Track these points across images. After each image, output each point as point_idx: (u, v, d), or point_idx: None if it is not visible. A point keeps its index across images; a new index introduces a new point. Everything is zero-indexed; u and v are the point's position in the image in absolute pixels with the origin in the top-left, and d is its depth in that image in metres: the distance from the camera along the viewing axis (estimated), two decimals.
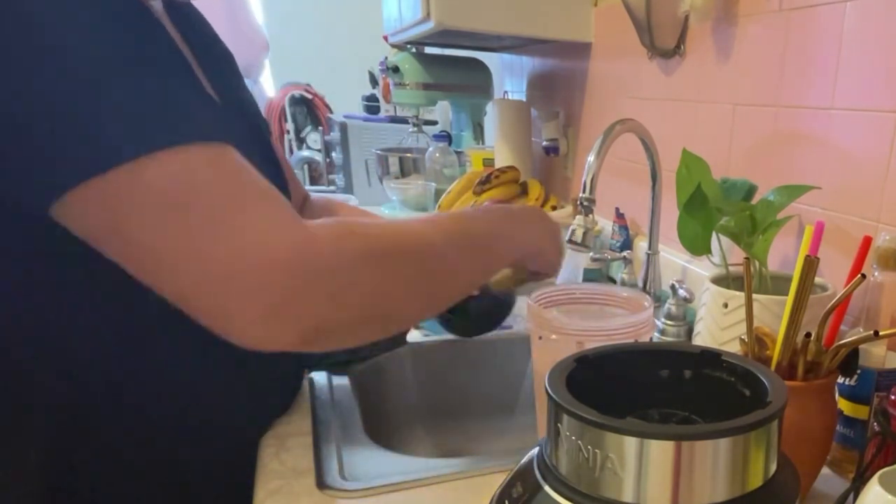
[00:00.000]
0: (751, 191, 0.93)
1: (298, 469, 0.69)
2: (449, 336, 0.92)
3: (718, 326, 0.81)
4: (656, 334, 1.05)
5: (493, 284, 0.80)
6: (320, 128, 3.61)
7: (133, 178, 0.49)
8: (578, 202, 0.95)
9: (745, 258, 0.72)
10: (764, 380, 0.42)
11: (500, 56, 2.29)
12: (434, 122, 2.79)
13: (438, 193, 1.74)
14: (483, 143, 2.21)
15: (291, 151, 3.74)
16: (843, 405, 0.71)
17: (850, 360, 0.64)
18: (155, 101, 0.51)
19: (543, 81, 1.99)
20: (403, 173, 2.10)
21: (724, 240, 0.87)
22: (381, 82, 2.47)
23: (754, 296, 0.64)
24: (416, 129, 2.34)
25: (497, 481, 0.45)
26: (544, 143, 1.78)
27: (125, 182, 0.49)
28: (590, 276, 1.26)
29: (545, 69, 1.97)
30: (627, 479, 0.37)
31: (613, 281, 1.29)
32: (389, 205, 2.03)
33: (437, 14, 1.47)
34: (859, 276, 0.60)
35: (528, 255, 0.77)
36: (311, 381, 0.89)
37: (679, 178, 0.90)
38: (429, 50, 2.18)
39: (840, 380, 0.69)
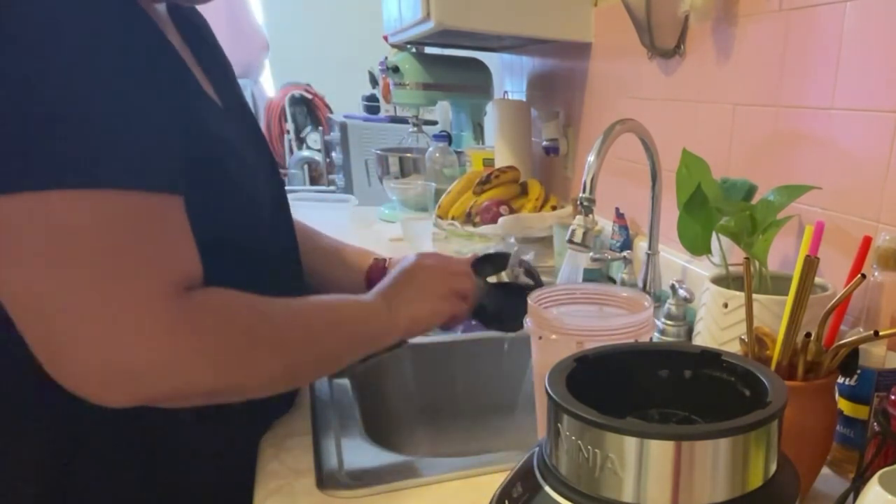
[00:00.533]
0: (751, 191, 0.93)
1: (298, 469, 0.69)
2: (449, 336, 0.92)
3: (718, 326, 0.81)
4: (656, 334, 1.05)
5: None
6: (320, 128, 3.62)
7: (31, 209, 0.48)
8: (578, 202, 0.95)
9: (745, 258, 0.72)
10: (764, 380, 0.42)
11: (500, 56, 2.29)
12: (434, 122, 2.79)
13: (438, 193, 1.74)
14: (483, 143, 2.21)
15: (291, 151, 3.74)
16: (843, 405, 0.71)
17: (850, 360, 0.63)
18: (100, 136, 0.50)
19: (543, 81, 1.99)
20: (403, 173, 2.10)
21: (724, 240, 0.86)
22: (381, 82, 2.47)
23: (754, 296, 0.64)
24: (416, 129, 2.35)
25: (497, 481, 0.45)
26: (544, 143, 1.78)
27: (18, 210, 0.48)
28: (590, 276, 1.26)
29: (545, 69, 1.97)
30: (627, 479, 0.37)
31: (613, 281, 1.29)
32: (389, 205, 2.03)
33: (437, 14, 1.47)
34: (859, 276, 0.60)
35: (420, 322, 0.77)
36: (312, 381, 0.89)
37: (679, 178, 0.90)
38: (429, 50, 2.18)
39: (840, 380, 0.69)
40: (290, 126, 3.76)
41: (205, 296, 0.57)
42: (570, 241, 0.95)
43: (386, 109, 2.96)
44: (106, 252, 0.51)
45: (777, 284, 0.81)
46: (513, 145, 1.85)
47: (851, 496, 0.59)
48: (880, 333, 0.58)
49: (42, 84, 0.49)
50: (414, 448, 1.00)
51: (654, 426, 0.41)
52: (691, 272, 1.14)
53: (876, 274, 0.71)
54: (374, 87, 2.73)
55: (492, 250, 0.91)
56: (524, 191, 1.66)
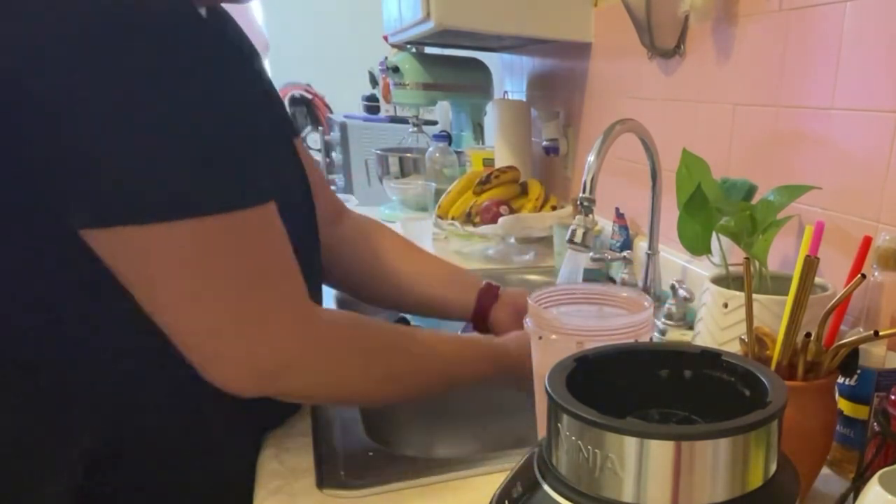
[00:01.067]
0: (751, 191, 0.93)
1: (298, 469, 0.69)
2: None
3: (718, 326, 0.81)
4: (656, 334, 1.05)
5: None
6: (320, 128, 3.62)
7: (168, 236, 0.53)
8: (578, 202, 0.95)
9: (745, 258, 0.72)
10: (764, 380, 0.42)
11: (500, 56, 2.29)
12: (434, 122, 2.79)
13: (438, 193, 1.74)
14: (483, 143, 2.21)
15: None
16: (843, 405, 0.71)
17: (850, 360, 0.63)
18: (211, 164, 0.55)
19: (543, 81, 1.99)
20: (403, 173, 2.10)
21: (724, 240, 0.86)
22: (381, 82, 2.47)
23: (754, 296, 0.64)
24: (416, 129, 2.35)
25: (497, 481, 0.45)
26: (544, 143, 1.78)
27: (157, 238, 0.52)
28: (590, 276, 1.26)
29: (545, 69, 1.97)
30: (627, 479, 0.37)
31: (613, 281, 1.29)
32: (389, 205, 2.03)
33: (437, 14, 1.47)
34: (859, 276, 0.60)
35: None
36: None
37: (679, 178, 0.90)
38: (429, 50, 2.18)
39: (840, 380, 0.69)
40: None
41: (332, 313, 0.68)
42: (570, 241, 0.95)
43: (386, 109, 2.96)
44: (247, 267, 0.58)
45: (777, 284, 0.81)
46: (513, 145, 1.85)
47: (851, 496, 0.59)
48: (880, 333, 0.58)
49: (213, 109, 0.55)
50: (414, 448, 1.00)
51: (654, 426, 0.40)
52: (691, 272, 1.14)
53: (876, 274, 0.71)
54: (374, 87, 2.73)
55: None
56: (524, 191, 1.66)
